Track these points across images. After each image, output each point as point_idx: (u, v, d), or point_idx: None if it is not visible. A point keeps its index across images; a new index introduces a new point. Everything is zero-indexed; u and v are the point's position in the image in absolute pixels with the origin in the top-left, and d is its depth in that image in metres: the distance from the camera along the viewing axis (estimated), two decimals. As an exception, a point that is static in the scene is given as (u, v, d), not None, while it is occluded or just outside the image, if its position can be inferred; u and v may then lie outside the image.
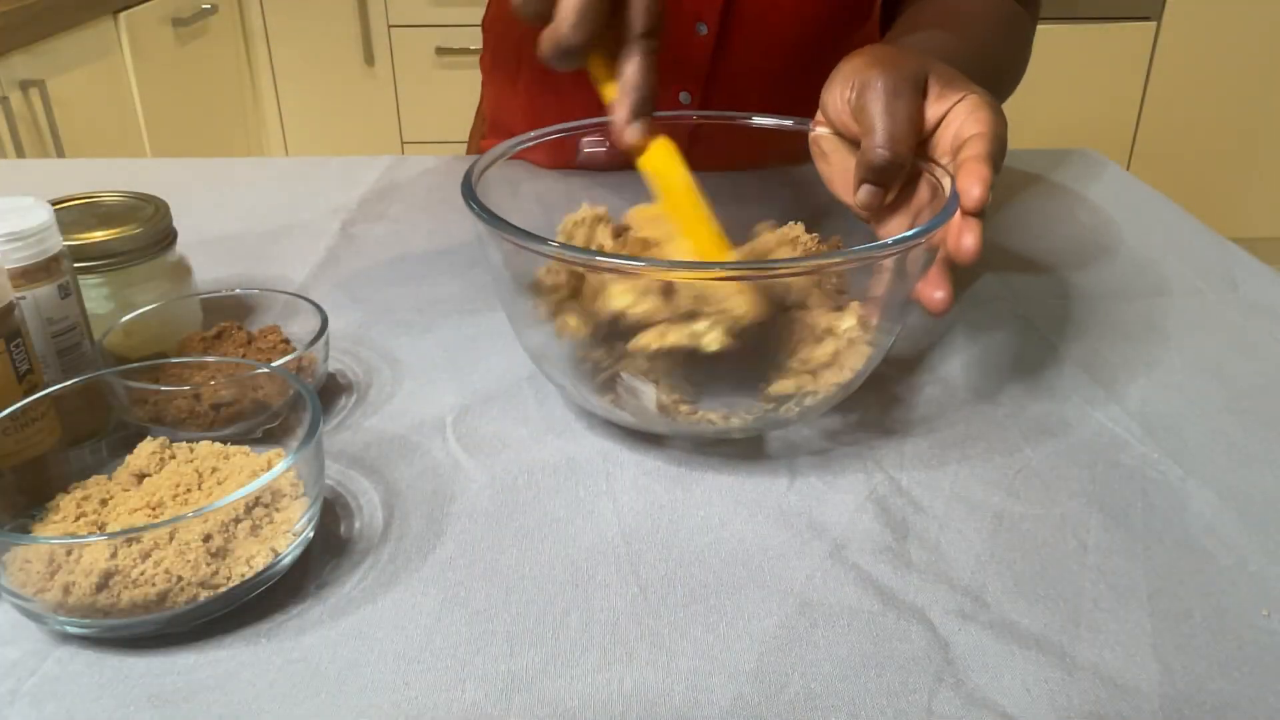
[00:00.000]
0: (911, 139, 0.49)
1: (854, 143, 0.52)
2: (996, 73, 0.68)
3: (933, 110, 0.50)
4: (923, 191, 0.51)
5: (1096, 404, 0.54)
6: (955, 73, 0.52)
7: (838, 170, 0.54)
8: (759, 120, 0.59)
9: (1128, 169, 1.24)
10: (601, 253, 0.49)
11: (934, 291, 0.47)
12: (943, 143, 0.50)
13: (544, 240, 0.43)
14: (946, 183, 0.48)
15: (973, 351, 0.60)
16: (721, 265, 0.47)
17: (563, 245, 0.44)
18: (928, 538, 0.44)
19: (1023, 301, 0.66)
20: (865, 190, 0.50)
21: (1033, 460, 0.50)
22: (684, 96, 0.80)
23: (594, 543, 0.44)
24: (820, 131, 0.55)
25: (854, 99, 0.50)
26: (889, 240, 0.43)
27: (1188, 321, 0.63)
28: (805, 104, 0.57)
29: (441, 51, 2.39)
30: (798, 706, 0.36)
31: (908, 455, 0.50)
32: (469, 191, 0.48)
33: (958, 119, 0.50)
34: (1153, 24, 2.31)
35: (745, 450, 0.50)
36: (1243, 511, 0.46)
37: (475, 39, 2.32)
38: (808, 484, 0.48)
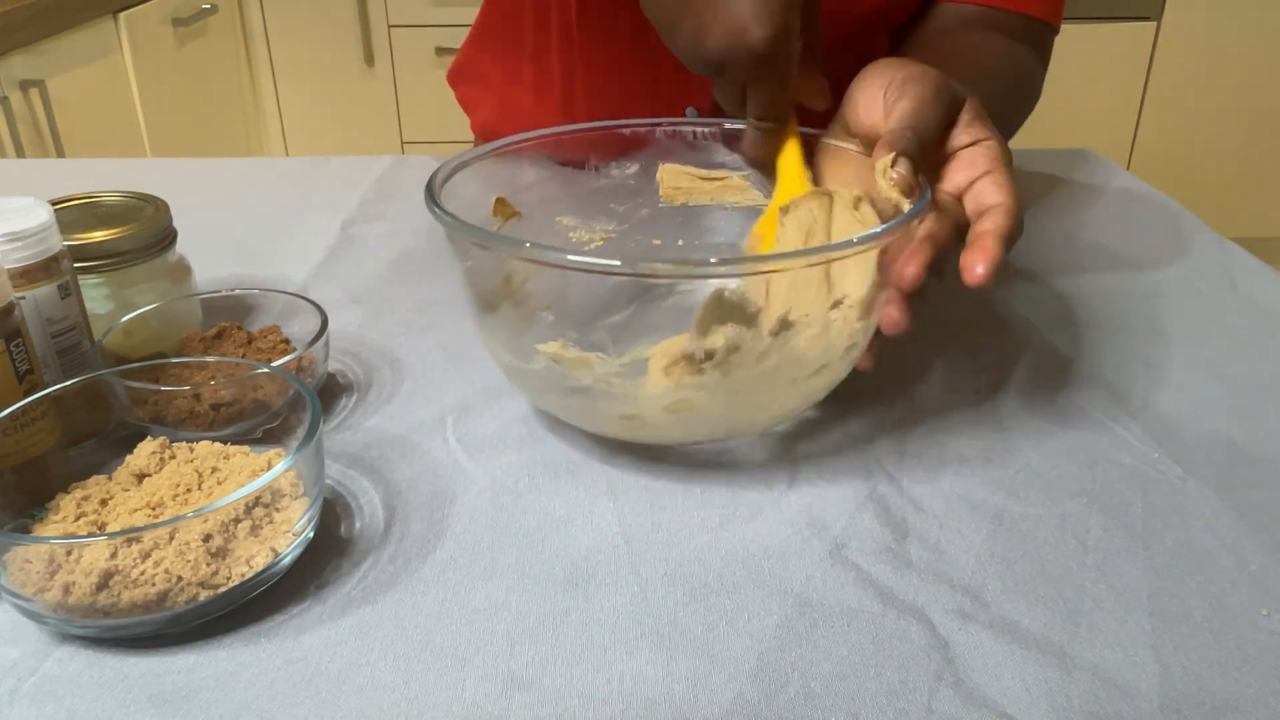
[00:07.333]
0: (932, 139, 0.48)
1: (866, 150, 0.52)
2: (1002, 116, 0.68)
3: (958, 138, 0.50)
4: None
5: (1097, 404, 0.54)
6: (985, 112, 0.51)
7: (832, 180, 0.54)
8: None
9: (1128, 169, 1.24)
10: (570, 249, 0.47)
11: (890, 309, 0.46)
12: (952, 177, 0.49)
13: (519, 242, 0.42)
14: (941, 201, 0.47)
15: (972, 351, 0.60)
16: (696, 263, 0.46)
17: (534, 244, 0.42)
18: (928, 538, 0.44)
19: (1022, 301, 0.66)
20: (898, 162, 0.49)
21: (1033, 460, 0.50)
22: (691, 111, 0.80)
23: (594, 543, 0.44)
24: (829, 143, 0.55)
25: (890, 91, 0.49)
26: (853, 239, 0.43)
27: (1188, 321, 0.63)
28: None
29: (441, 51, 2.39)
30: (797, 706, 0.36)
31: (908, 455, 0.50)
32: (431, 198, 0.47)
33: (977, 167, 0.49)
34: (1153, 24, 2.31)
35: (745, 450, 0.50)
36: (1243, 511, 0.46)
37: (475, 39, 2.32)
38: (808, 484, 0.48)
